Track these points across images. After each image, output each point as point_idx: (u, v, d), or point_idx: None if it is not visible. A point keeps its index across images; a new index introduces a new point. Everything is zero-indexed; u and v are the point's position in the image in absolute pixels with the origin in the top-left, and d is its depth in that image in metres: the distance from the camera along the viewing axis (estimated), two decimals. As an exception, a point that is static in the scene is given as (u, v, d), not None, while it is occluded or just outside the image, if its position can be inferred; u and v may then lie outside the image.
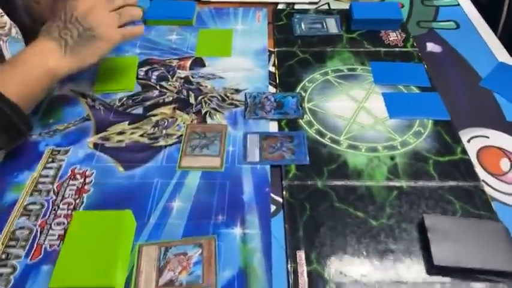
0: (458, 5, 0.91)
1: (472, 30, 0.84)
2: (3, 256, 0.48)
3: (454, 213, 0.53)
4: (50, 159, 0.59)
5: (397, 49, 0.79)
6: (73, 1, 0.59)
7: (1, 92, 0.51)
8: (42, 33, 0.59)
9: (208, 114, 0.66)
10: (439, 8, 0.90)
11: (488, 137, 0.62)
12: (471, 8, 0.90)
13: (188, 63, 0.76)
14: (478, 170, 0.58)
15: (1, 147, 0.55)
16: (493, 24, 0.86)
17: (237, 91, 0.70)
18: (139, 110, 0.67)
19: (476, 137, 0.63)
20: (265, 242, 0.50)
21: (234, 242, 0.50)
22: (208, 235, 0.50)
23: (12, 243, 0.50)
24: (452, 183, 0.56)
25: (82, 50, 0.58)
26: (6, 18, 0.66)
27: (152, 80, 0.72)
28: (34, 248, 0.49)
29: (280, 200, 0.55)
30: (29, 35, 0.77)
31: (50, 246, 0.49)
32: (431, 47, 0.80)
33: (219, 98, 0.69)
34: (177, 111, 0.66)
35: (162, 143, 0.62)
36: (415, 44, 0.79)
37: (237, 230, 0.51)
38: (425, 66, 0.74)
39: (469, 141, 0.62)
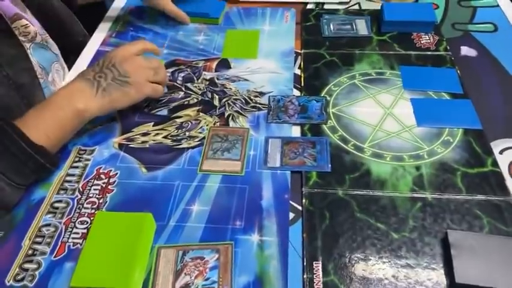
0: (498, 5, 0.86)
1: (511, 32, 0.79)
2: (30, 252, 0.50)
3: (481, 228, 0.51)
4: (77, 159, 0.61)
5: (429, 52, 0.76)
6: (112, 52, 0.63)
7: (28, 137, 0.53)
8: (76, 76, 0.61)
9: (231, 117, 0.66)
10: (477, 9, 0.86)
11: (522, 149, 0.59)
12: (511, 9, 0.85)
13: (214, 64, 0.76)
14: (510, 183, 0.55)
15: (28, 183, 0.56)
16: (534, 26, 0.82)
17: (261, 94, 0.70)
18: (164, 112, 0.68)
19: (509, 148, 0.60)
20: (282, 250, 0.50)
21: (251, 249, 0.50)
22: (225, 240, 0.51)
23: (39, 239, 0.52)
24: (480, 197, 0.54)
25: (114, 92, 0.59)
26: (31, 27, 0.68)
27: (178, 82, 0.73)
28: (58, 246, 0.51)
29: (300, 207, 0.54)
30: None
31: (73, 244, 0.51)
32: (465, 51, 0.76)
33: (243, 100, 0.69)
34: (201, 114, 0.67)
35: (184, 145, 0.62)
36: (448, 48, 0.76)
37: (255, 237, 0.51)
38: (458, 72, 0.71)
39: (501, 152, 0.59)
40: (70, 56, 0.79)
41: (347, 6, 0.89)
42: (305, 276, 0.47)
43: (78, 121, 0.58)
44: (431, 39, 0.79)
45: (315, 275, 0.47)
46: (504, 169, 0.57)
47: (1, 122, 0.53)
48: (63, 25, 0.81)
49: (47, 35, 0.73)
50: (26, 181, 0.55)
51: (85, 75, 0.60)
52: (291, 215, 0.53)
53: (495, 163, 0.58)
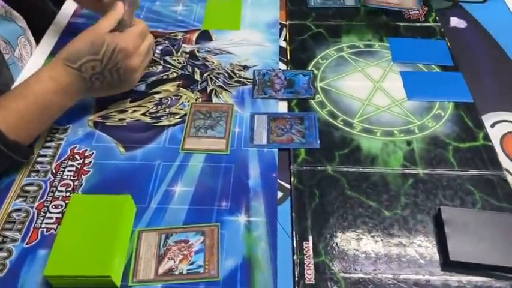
0: (487, -25, 0.84)
1: (500, 3, 0.77)
2: (-1, 239, 0.47)
3: (474, 204, 0.50)
4: (48, 138, 0.56)
5: (418, 24, 0.73)
6: (120, 43, 0.54)
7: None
8: (70, 64, 0.52)
9: (214, 93, 0.62)
10: (466, -22, 0.84)
11: (514, 122, 0.58)
12: (501, -21, 0.83)
13: (194, 36, 0.72)
14: (502, 158, 0.54)
15: None
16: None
17: (245, 68, 0.66)
18: (141, 87, 0.63)
19: (500, 121, 0.58)
20: (271, 230, 0.47)
21: (238, 230, 0.47)
22: (211, 222, 0.48)
23: (9, 226, 0.48)
24: (472, 171, 0.53)
25: (102, 92, 0.57)
26: None
27: (156, 55, 0.68)
28: (31, 232, 0.47)
29: (288, 186, 0.52)
30: None
31: (47, 230, 0.48)
32: (455, 22, 0.74)
33: (226, 75, 0.65)
34: (182, 89, 0.63)
35: (165, 122, 0.58)
36: (437, 19, 0.74)
37: (242, 218, 0.48)
38: (448, 43, 0.69)
39: (492, 126, 0.58)
40: (38, 33, 0.73)
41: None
42: (295, 257, 0.45)
43: (56, 114, 0.55)
44: (420, 10, 0.76)
45: (305, 256, 0.45)
46: (496, 143, 0.56)
47: None
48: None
49: (10, 7, 0.67)
50: None
51: (83, 71, 0.53)
52: (279, 194, 0.51)
53: (487, 137, 0.56)
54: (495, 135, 0.57)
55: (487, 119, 0.58)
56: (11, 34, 0.66)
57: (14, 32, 0.67)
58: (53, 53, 0.68)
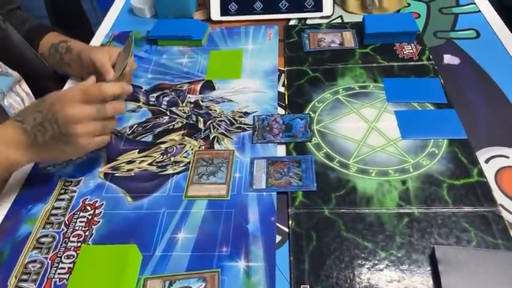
0: (479, 11, 0.87)
1: (493, 39, 0.80)
2: (16, 290, 0.50)
3: (469, 241, 0.50)
4: (62, 191, 0.61)
5: (411, 63, 0.76)
6: (59, 93, 0.55)
7: None
8: (16, 117, 0.55)
9: (216, 140, 0.66)
10: (458, 15, 0.87)
11: (508, 157, 0.59)
12: (493, 15, 0.85)
13: (198, 86, 0.76)
14: (496, 193, 0.55)
15: None
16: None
17: (246, 114, 0.70)
18: (149, 138, 0.68)
19: (495, 156, 0.59)
20: (270, 275, 0.49)
21: (238, 276, 0.49)
22: (212, 268, 0.50)
23: (25, 277, 0.51)
24: (467, 208, 0.53)
25: (48, 150, 0.55)
26: None
27: (163, 106, 0.73)
28: (45, 282, 0.51)
29: (286, 229, 0.54)
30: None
31: (60, 280, 0.51)
32: (448, 59, 0.77)
33: (228, 122, 0.69)
34: (186, 137, 0.67)
35: (169, 171, 0.62)
36: (431, 57, 0.76)
37: (241, 263, 0.50)
38: (442, 81, 0.71)
39: (487, 161, 0.59)
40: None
41: (329, 20, 0.90)
42: (293, 301, 0.47)
43: (5, 174, 0.56)
44: (414, 49, 0.79)
45: (302, 299, 0.47)
46: (490, 179, 0.57)
47: None
48: (33, 67, 0.78)
49: (4, 66, 0.73)
50: None
51: (25, 123, 0.54)
52: (278, 238, 0.53)
53: (481, 173, 0.57)
54: (490, 170, 0.58)
55: (481, 155, 0.60)
56: (4, 85, 0.70)
57: (7, 83, 0.71)
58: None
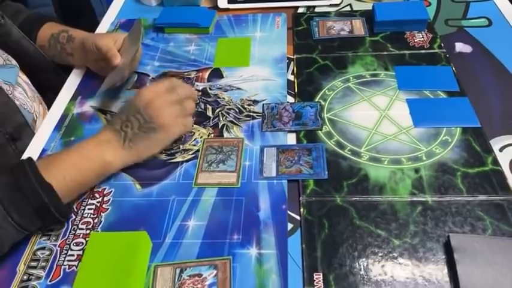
0: (491, -1, 0.85)
1: (505, 26, 0.78)
2: (25, 277, 0.50)
3: (484, 230, 0.50)
4: (71, 178, 0.60)
5: (422, 51, 0.75)
6: (138, 94, 0.59)
7: (39, 173, 0.50)
8: (106, 125, 0.60)
9: (225, 128, 0.65)
10: (470, 3, 0.85)
11: (523, 145, 0.58)
12: (505, 3, 0.84)
13: (206, 74, 0.75)
14: (511, 182, 0.54)
15: (30, 228, 0.51)
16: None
17: (255, 102, 0.69)
18: (157, 125, 0.67)
19: (509, 145, 0.58)
20: (282, 262, 0.49)
21: (250, 263, 0.49)
22: (223, 255, 0.50)
23: (34, 263, 0.51)
24: (482, 197, 0.53)
25: (140, 142, 0.57)
26: None
27: (170, 94, 0.72)
28: (54, 269, 0.50)
29: (298, 217, 0.53)
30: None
31: (69, 267, 0.50)
32: (460, 47, 0.75)
33: (236, 110, 0.68)
34: (195, 125, 0.66)
35: (179, 158, 0.61)
36: (442, 45, 0.75)
37: (253, 251, 0.50)
38: (454, 69, 0.70)
39: (501, 150, 0.58)
40: (47, 93, 0.77)
41: (338, 8, 0.88)
42: (306, 288, 0.46)
43: (102, 172, 0.57)
44: (425, 37, 0.78)
45: (316, 287, 0.46)
46: (505, 167, 0.56)
47: (24, 160, 0.52)
48: (33, 61, 0.77)
49: (6, 54, 0.72)
50: (27, 222, 0.50)
51: (113, 125, 0.58)
52: (289, 226, 0.52)
53: (495, 161, 0.56)
54: (504, 158, 0.57)
55: (495, 143, 0.59)
56: (10, 76, 0.69)
57: (13, 72, 0.70)
58: (75, 96, 0.73)
